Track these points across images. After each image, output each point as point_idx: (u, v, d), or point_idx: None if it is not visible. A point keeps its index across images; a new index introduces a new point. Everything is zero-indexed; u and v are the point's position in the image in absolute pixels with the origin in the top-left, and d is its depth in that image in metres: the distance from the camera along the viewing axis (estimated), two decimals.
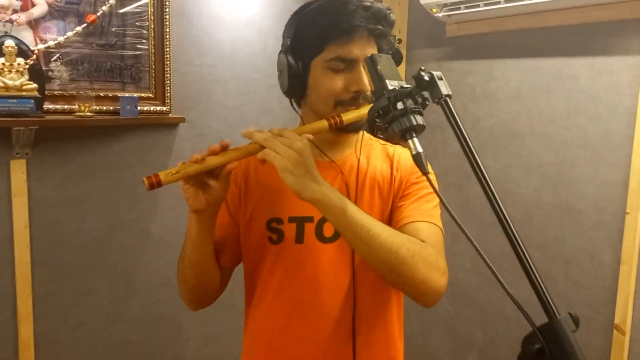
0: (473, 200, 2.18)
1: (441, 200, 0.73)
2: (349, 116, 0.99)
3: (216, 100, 2.24)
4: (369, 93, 0.99)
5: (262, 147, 0.89)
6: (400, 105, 0.76)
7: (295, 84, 1.03)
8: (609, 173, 1.71)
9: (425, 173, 0.75)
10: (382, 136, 1.13)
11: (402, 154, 1.11)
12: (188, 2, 2.11)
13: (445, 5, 2.07)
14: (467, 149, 0.70)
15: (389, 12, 1.02)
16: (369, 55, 0.97)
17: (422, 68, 0.74)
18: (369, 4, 0.99)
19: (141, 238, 2.13)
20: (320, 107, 1.03)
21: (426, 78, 0.73)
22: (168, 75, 2.04)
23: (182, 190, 0.93)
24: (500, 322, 2.14)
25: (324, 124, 0.98)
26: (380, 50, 1.02)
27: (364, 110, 1.00)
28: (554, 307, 0.60)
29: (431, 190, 1.05)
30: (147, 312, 2.17)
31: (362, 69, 0.99)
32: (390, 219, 1.06)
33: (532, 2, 1.74)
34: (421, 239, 0.96)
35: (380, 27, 0.99)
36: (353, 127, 1.03)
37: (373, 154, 1.11)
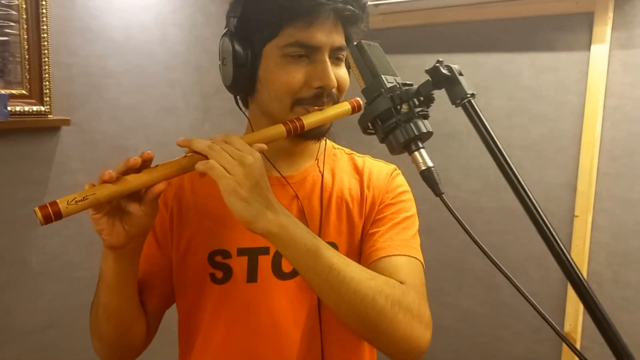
0: None
1: (465, 229, 0.61)
2: (311, 119, 0.85)
3: (108, 98, 2.05)
4: (334, 90, 0.87)
5: (203, 158, 0.74)
6: (405, 108, 0.63)
7: (242, 77, 0.87)
8: (555, 175, 1.73)
9: (439, 194, 0.64)
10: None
11: (372, 167, 0.98)
12: None
13: None
14: (501, 160, 0.59)
15: None
16: (335, 43, 0.84)
17: (440, 60, 0.61)
18: None
19: (18, 271, 1.87)
20: (273, 107, 0.88)
21: (446, 73, 0.60)
22: (46, 67, 1.82)
23: (92, 220, 0.75)
24: (439, 335, 2.11)
25: (280, 129, 0.83)
26: (348, 40, 0.87)
27: (330, 112, 0.87)
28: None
29: (410, 213, 0.93)
30: None
31: (326, 60, 0.85)
32: (361, 248, 0.91)
33: None
34: (400, 279, 0.83)
35: (351, 7, 0.84)
36: (315, 134, 0.89)
37: (338, 167, 0.97)
